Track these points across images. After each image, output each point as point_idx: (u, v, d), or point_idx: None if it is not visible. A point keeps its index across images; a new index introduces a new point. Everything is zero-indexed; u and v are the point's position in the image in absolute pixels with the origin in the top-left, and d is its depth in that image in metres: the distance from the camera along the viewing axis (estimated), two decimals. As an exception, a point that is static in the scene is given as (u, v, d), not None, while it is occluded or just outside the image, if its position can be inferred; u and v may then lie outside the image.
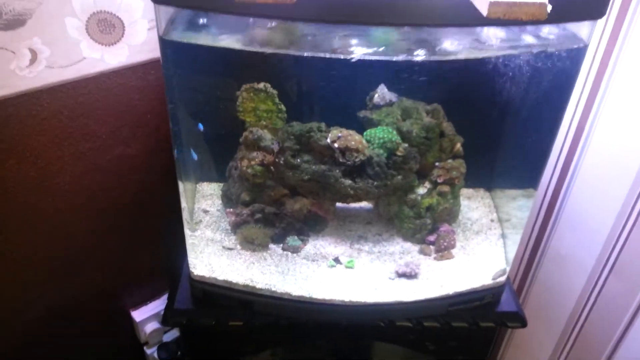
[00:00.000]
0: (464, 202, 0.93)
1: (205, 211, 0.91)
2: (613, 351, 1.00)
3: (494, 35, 0.67)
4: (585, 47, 0.66)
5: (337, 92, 0.83)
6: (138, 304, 1.16)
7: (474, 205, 0.94)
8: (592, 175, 0.93)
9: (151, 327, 1.15)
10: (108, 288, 1.11)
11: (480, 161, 0.90)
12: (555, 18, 0.55)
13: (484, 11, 0.50)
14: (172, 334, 1.20)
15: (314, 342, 0.95)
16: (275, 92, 0.86)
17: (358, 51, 0.66)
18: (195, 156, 0.84)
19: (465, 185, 0.91)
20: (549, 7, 0.50)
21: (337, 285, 0.81)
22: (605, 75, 0.85)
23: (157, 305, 1.15)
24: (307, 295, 0.80)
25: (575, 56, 0.68)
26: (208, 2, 0.57)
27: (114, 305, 1.14)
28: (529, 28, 0.67)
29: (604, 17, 0.80)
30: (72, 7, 0.80)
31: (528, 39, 0.67)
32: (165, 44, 0.66)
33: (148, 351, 1.18)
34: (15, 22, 0.76)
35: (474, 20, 0.52)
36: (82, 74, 0.87)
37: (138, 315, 1.15)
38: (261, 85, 0.85)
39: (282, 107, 0.87)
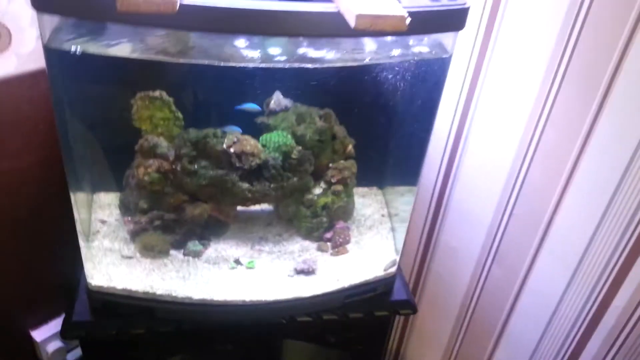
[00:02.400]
0: (358, 200, 0.99)
1: (103, 221, 0.90)
2: (500, 332, 1.09)
3: (370, 44, 0.73)
4: (450, 55, 0.73)
5: (234, 99, 0.86)
6: (39, 324, 1.12)
7: (367, 202, 1.00)
8: (471, 173, 1.01)
9: (53, 346, 1.11)
10: (7, 308, 1.06)
11: (371, 161, 0.96)
12: (419, 29, 0.62)
13: (352, 23, 0.56)
14: (76, 354, 1.16)
15: (221, 346, 0.97)
16: (171, 99, 0.87)
17: (249, 58, 0.69)
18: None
19: (359, 184, 0.97)
20: (408, 20, 0.56)
21: (238, 286, 0.84)
22: (478, 83, 0.94)
23: (59, 324, 1.11)
24: (209, 298, 0.82)
25: (442, 64, 0.75)
26: (91, 11, 0.58)
27: (13, 325, 1.09)
28: (402, 38, 0.73)
29: (475, 29, 0.89)
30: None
31: (401, 48, 0.74)
32: (50, 52, 0.66)
33: (50, 372, 1.13)
34: None
35: (345, 31, 0.57)
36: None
37: (39, 335, 1.11)
38: (157, 93, 0.86)
39: (179, 114, 0.88)
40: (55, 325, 1.13)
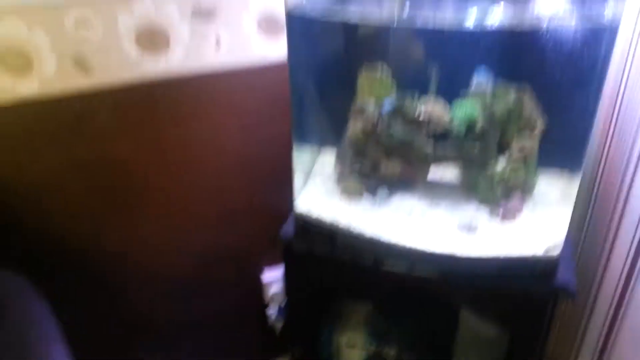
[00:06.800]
0: (549, 181, 1.01)
1: (323, 167, 1.13)
2: None
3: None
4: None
5: (441, 67, 1.00)
6: (267, 268, 1.39)
7: (557, 184, 1.01)
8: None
9: (274, 289, 1.37)
10: (245, 248, 1.36)
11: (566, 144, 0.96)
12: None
13: None
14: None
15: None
16: (388, 74, 1.06)
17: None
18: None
19: (557, 165, 1.01)
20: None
21: (407, 231, 0.95)
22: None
23: (282, 273, 1.37)
24: (376, 237, 0.95)
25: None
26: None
27: (249, 265, 1.39)
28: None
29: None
30: (249, 8, 1.13)
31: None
32: (290, 19, 0.94)
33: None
34: (208, 14, 1.11)
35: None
36: (251, 63, 1.19)
37: (266, 277, 1.38)
38: (377, 72, 1.07)
39: (392, 86, 1.07)
40: (277, 273, 1.38)
